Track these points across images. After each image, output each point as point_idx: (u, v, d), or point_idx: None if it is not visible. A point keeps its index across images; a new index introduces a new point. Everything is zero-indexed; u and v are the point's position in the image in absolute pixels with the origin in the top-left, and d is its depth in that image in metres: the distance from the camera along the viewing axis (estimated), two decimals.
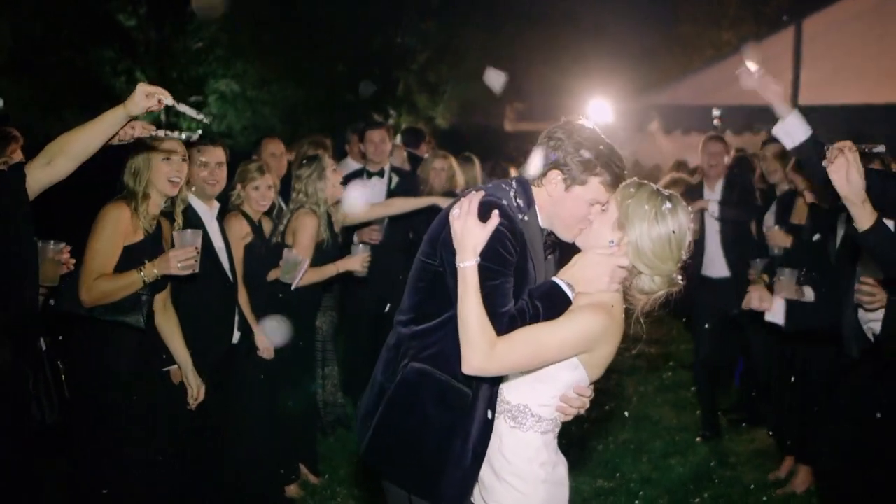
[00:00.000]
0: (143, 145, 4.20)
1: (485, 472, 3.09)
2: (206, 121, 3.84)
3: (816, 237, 5.47)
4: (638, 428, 6.94)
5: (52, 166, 3.62)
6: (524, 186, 3.14)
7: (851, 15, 12.75)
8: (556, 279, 3.07)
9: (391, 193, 7.13)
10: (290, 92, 17.92)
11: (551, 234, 3.20)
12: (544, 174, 3.09)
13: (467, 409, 3.04)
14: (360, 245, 5.75)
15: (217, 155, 4.95)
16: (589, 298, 3.02)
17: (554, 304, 2.99)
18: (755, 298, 4.78)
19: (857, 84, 12.06)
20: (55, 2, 15.11)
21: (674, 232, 2.96)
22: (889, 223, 4.37)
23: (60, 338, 4.37)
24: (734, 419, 7.21)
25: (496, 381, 3.07)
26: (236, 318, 5.09)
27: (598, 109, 13.48)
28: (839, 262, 4.71)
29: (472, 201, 2.97)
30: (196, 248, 4.25)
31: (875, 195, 3.52)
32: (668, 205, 2.97)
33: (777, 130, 4.26)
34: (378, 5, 18.89)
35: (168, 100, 3.57)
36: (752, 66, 4.31)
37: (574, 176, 3.05)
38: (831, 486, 4.86)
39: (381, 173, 7.24)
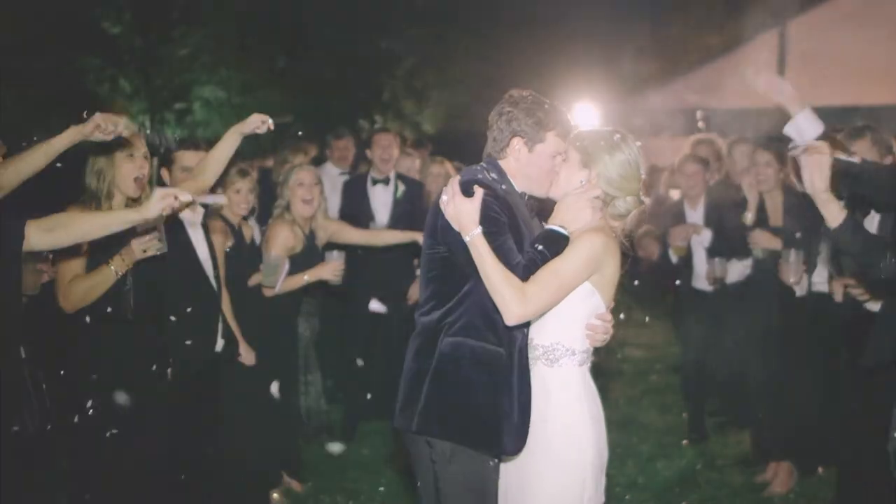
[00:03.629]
0: (103, 145, 4.19)
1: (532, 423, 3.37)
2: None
3: (798, 235, 5.47)
4: (624, 431, 6.91)
5: (51, 235, 3.58)
6: (492, 163, 3.51)
7: (836, 17, 12.80)
8: (548, 226, 3.40)
9: (396, 203, 6.98)
10: (276, 98, 17.86)
11: (531, 198, 3.56)
12: (507, 145, 3.47)
13: (504, 367, 3.35)
14: (335, 252, 5.58)
15: (199, 159, 4.91)
16: (581, 231, 3.37)
17: (556, 244, 3.34)
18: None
19: (842, 86, 12.09)
20: (39, 9, 15.03)
21: (629, 155, 3.40)
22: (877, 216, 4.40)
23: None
24: (721, 422, 7.19)
25: (523, 335, 3.38)
26: (220, 326, 5.05)
27: (585, 112, 13.46)
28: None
29: (453, 186, 3.34)
30: (157, 229, 4.21)
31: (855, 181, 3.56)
32: (618, 136, 3.43)
33: (788, 129, 4.23)
34: (363, 11, 18.85)
35: (185, 197, 3.56)
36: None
37: (533, 137, 3.43)
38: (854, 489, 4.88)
39: (385, 181, 7.06)
